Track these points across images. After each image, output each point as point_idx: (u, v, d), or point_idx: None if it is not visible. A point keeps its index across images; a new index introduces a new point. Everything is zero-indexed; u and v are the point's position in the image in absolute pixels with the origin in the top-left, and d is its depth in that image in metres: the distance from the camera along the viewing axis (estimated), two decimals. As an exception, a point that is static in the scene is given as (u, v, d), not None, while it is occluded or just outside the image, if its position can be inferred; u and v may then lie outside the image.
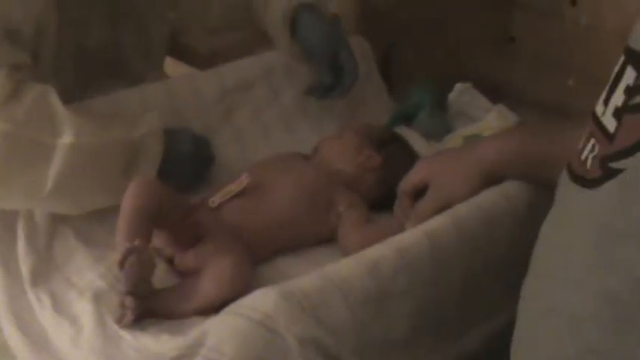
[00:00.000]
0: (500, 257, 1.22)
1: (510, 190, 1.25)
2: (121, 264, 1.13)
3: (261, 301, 1.00)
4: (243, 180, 1.34)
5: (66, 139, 1.24)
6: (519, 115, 1.77)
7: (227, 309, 1.03)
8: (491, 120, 1.71)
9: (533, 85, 2.09)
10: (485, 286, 1.21)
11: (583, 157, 0.90)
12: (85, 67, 1.44)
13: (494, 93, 1.91)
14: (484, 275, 1.20)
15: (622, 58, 0.90)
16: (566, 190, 0.94)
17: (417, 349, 1.13)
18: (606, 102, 0.89)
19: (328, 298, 1.02)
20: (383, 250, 1.10)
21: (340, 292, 1.03)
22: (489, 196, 1.23)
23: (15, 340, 1.24)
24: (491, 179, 1.25)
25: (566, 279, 0.88)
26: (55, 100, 1.27)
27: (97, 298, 1.21)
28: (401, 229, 1.22)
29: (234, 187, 1.33)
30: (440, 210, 1.22)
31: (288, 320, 0.98)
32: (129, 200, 1.23)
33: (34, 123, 1.24)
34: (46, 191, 1.25)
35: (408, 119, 1.76)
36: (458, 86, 1.86)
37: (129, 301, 1.14)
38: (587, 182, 0.88)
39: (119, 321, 1.15)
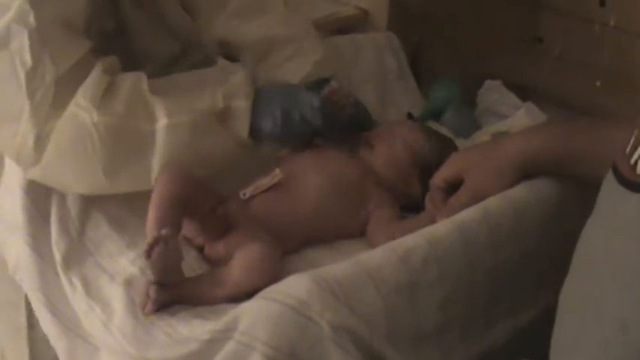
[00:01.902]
0: (529, 251, 1.23)
1: (540, 185, 1.25)
2: (148, 253, 1.13)
3: (294, 286, 1.01)
4: (276, 175, 1.34)
5: (162, 122, 1.26)
6: (547, 114, 1.78)
7: (261, 294, 1.03)
8: (519, 117, 1.71)
9: (561, 85, 2.09)
10: (514, 279, 1.22)
11: (632, 160, 0.89)
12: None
13: (521, 92, 1.91)
14: (512, 268, 1.21)
15: None
16: (613, 193, 0.92)
17: (447, 340, 1.13)
18: None
19: (360, 287, 1.03)
20: (414, 240, 1.11)
21: (372, 280, 1.04)
22: (519, 191, 1.24)
23: (47, 322, 1.26)
24: (525, 174, 1.25)
25: (615, 283, 0.87)
26: (145, 87, 1.28)
27: (129, 284, 1.22)
28: (431, 223, 1.22)
29: (266, 182, 1.33)
30: (473, 204, 1.22)
31: (321, 307, 0.99)
32: (159, 189, 1.23)
33: (132, 113, 1.26)
34: (152, 176, 1.27)
35: (436, 116, 1.77)
36: (487, 83, 1.87)
37: (152, 290, 1.15)
38: (637, 186, 0.87)
39: (142, 309, 1.16)
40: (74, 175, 1.29)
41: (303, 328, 0.98)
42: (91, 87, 1.24)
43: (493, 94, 1.83)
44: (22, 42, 1.20)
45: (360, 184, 1.39)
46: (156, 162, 1.27)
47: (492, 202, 1.21)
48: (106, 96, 1.25)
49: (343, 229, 1.37)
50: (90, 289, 1.24)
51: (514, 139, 1.28)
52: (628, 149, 0.91)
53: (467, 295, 1.15)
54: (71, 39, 1.27)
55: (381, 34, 1.70)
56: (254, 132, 1.35)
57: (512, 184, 1.25)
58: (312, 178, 1.36)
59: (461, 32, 2.00)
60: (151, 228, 1.19)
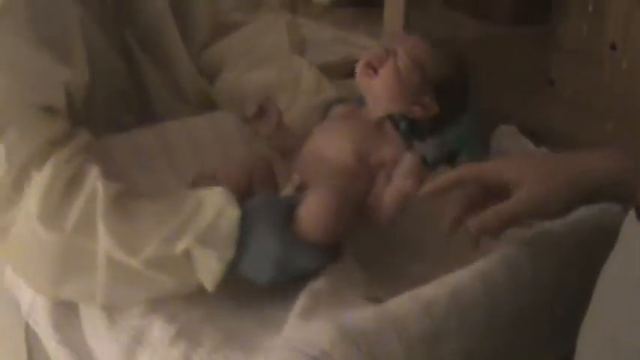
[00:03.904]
0: (549, 296, 1.22)
1: (556, 229, 1.25)
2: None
3: (318, 336, 1.01)
4: (295, 181, 1.33)
5: (102, 254, 1.19)
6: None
7: (283, 341, 1.04)
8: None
9: (572, 128, 2.10)
10: (534, 324, 1.21)
11: None
12: (113, 110, 1.43)
13: (533, 135, 1.92)
14: (533, 314, 1.20)
15: None
16: (632, 230, 0.91)
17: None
18: None
19: (384, 338, 1.03)
20: (437, 291, 1.11)
21: (395, 331, 1.04)
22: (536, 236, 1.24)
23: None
24: (590, 196, 1.16)
25: (633, 314, 0.86)
26: (100, 205, 1.19)
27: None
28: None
29: (288, 190, 1.33)
30: (532, 215, 1.17)
31: (343, 358, 0.99)
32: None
33: (82, 231, 1.19)
34: (98, 294, 1.22)
35: (450, 159, 1.77)
36: (501, 128, 1.87)
37: None
38: None
39: None
40: (26, 275, 1.28)
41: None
42: (42, 193, 1.19)
43: (507, 139, 1.83)
44: None
45: (375, 148, 1.34)
46: (99, 286, 1.20)
47: (511, 250, 1.21)
48: (58, 204, 1.19)
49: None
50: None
51: (584, 158, 1.17)
52: None
53: (488, 343, 1.15)
54: (36, 125, 1.22)
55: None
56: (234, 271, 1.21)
57: (575, 205, 1.17)
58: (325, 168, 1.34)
59: (473, 74, 2.01)
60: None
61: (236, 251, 1.18)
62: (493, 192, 1.19)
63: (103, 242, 1.18)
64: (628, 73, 2.04)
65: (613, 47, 2.08)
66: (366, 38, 2.17)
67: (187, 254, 1.18)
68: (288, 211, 1.21)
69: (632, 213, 0.92)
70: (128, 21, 1.44)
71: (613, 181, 1.12)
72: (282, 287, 1.21)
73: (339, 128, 1.37)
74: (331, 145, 1.34)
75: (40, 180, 1.19)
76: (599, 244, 1.01)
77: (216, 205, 1.19)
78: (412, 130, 1.34)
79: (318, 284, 1.18)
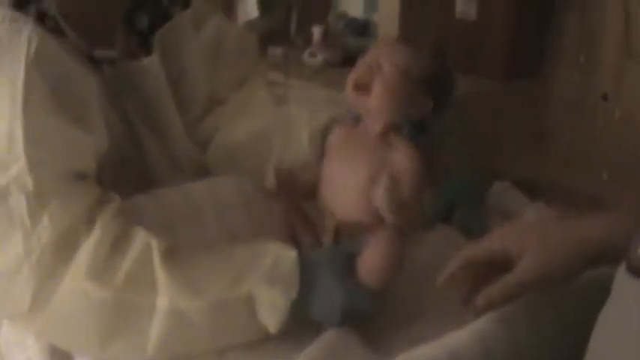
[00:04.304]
0: (547, 355, 1.21)
1: (556, 293, 1.24)
2: None
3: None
4: (330, 227, 1.32)
5: (163, 302, 1.19)
6: (557, 210, 1.78)
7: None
8: (529, 217, 1.71)
9: (568, 179, 2.10)
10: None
11: None
12: (116, 177, 1.44)
13: (529, 188, 1.92)
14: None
15: None
16: (623, 282, 0.92)
17: None
18: None
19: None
20: (435, 351, 1.10)
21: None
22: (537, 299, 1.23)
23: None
24: (594, 261, 1.14)
25: None
26: (157, 257, 1.20)
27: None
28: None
29: (326, 237, 1.33)
30: (534, 286, 1.15)
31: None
32: None
33: (134, 285, 1.20)
34: (149, 349, 1.21)
35: (446, 216, 1.77)
36: (496, 184, 1.87)
37: None
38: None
39: None
40: (67, 338, 1.28)
41: None
42: (91, 252, 1.20)
43: (502, 195, 1.83)
44: (20, 203, 1.21)
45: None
46: (152, 341, 1.20)
47: (510, 312, 1.20)
48: (108, 261, 1.20)
49: None
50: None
51: (585, 222, 1.15)
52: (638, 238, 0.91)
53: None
54: (75, 192, 1.25)
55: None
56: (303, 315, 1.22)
57: (580, 271, 1.15)
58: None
59: (468, 129, 2.02)
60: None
61: (304, 298, 1.20)
62: (497, 263, 1.17)
63: (165, 290, 1.18)
64: (621, 122, 2.05)
65: (605, 98, 2.09)
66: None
67: (250, 299, 1.19)
68: (348, 260, 1.23)
69: (623, 265, 0.93)
70: (130, 95, 1.46)
71: (614, 245, 1.10)
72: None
73: (348, 157, 1.36)
74: (349, 178, 1.32)
75: (88, 241, 1.21)
76: (596, 299, 1.01)
77: (272, 250, 1.22)
78: (415, 129, 1.34)
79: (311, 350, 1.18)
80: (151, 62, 1.47)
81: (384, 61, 1.32)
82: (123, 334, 1.21)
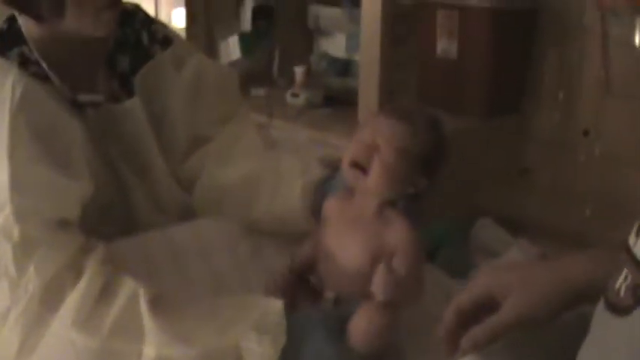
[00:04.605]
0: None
1: (539, 332, 1.24)
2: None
3: None
4: (330, 297, 1.32)
5: (150, 351, 1.19)
6: (539, 248, 1.79)
7: None
8: (512, 254, 1.72)
9: (550, 216, 2.11)
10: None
11: (617, 286, 0.91)
12: (99, 221, 1.44)
13: (512, 225, 1.93)
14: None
15: None
16: (602, 318, 0.93)
17: None
18: (638, 233, 0.90)
19: None
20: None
21: None
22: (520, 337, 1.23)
23: None
24: (577, 300, 1.14)
25: None
26: (144, 305, 1.21)
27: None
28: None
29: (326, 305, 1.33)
30: (516, 327, 1.14)
31: None
32: None
33: (122, 334, 1.20)
34: None
35: (429, 256, 1.77)
36: (480, 222, 1.88)
37: None
38: (620, 310, 0.88)
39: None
40: None
41: None
42: (77, 301, 1.21)
43: (485, 232, 1.84)
44: (6, 252, 1.21)
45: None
46: None
47: (492, 350, 1.19)
48: (94, 310, 1.21)
49: None
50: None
51: (566, 263, 1.17)
52: (615, 275, 0.92)
53: None
54: (60, 240, 1.26)
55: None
56: None
57: (563, 310, 1.15)
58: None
59: (449, 167, 2.02)
60: None
61: (295, 353, 1.20)
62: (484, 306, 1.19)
63: (152, 339, 1.18)
64: (602, 157, 2.06)
65: (586, 133, 2.10)
66: (341, 138, 2.19)
67: (238, 349, 1.18)
68: (342, 322, 1.24)
69: (601, 302, 0.94)
70: (113, 138, 1.47)
71: (597, 284, 1.09)
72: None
73: (344, 231, 1.35)
74: (346, 253, 1.32)
75: (74, 290, 1.21)
76: (578, 336, 1.01)
77: (261, 301, 1.23)
78: (410, 203, 1.34)
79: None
80: (133, 104, 1.48)
81: (382, 142, 1.32)
82: None
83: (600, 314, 0.94)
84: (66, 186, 1.29)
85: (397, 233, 1.30)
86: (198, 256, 1.48)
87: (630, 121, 1.99)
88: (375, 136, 1.31)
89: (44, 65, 1.36)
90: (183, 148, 1.57)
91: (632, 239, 0.91)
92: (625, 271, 0.90)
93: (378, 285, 1.22)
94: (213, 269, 1.47)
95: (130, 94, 1.49)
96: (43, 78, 1.36)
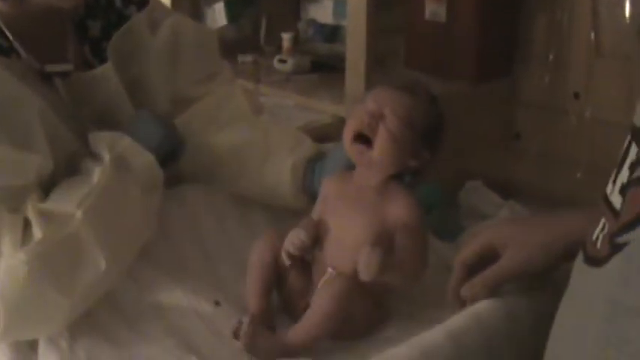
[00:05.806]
0: (524, 354, 1.20)
1: (532, 285, 1.24)
2: (235, 335, 1.24)
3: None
4: (332, 274, 1.30)
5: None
6: (530, 211, 1.77)
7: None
8: (503, 216, 1.71)
9: (542, 180, 2.10)
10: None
11: (594, 237, 0.92)
12: None
13: (503, 189, 1.91)
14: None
15: (628, 137, 0.91)
16: (579, 272, 0.95)
17: None
18: (614, 181, 0.91)
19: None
20: (409, 352, 1.09)
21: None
22: (512, 294, 1.22)
23: None
24: (572, 254, 1.10)
25: (581, 357, 0.87)
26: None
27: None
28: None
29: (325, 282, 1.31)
30: (515, 276, 1.20)
31: None
32: (256, 258, 1.33)
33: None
34: None
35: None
36: (468, 184, 1.87)
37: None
38: (596, 261, 0.89)
39: None
40: None
41: None
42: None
43: (475, 194, 1.83)
44: None
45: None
46: None
47: (482, 307, 1.19)
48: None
49: None
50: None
51: (568, 217, 1.21)
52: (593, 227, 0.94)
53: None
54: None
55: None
56: None
57: (561, 262, 1.19)
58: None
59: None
60: (252, 300, 1.32)
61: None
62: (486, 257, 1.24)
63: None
64: (593, 121, 2.04)
65: (576, 96, 2.08)
66: (328, 103, 2.18)
67: None
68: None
69: (580, 254, 0.96)
70: (86, 105, 1.45)
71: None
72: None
73: (345, 210, 1.33)
74: (349, 233, 1.30)
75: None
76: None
77: None
78: (414, 179, 1.34)
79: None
80: (106, 70, 1.45)
81: (387, 111, 1.29)
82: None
83: (578, 269, 0.96)
84: (20, 161, 1.28)
85: (401, 209, 1.29)
86: (184, 220, 1.47)
87: (620, 82, 1.97)
88: (380, 107, 1.29)
89: (10, 37, 1.34)
90: (163, 111, 1.54)
91: (609, 188, 0.92)
92: (602, 221, 0.91)
93: (362, 265, 1.20)
94: (202, 237, 1.46)
95: (103, 60, 1.47)
96: (8, 51, 1.34)
